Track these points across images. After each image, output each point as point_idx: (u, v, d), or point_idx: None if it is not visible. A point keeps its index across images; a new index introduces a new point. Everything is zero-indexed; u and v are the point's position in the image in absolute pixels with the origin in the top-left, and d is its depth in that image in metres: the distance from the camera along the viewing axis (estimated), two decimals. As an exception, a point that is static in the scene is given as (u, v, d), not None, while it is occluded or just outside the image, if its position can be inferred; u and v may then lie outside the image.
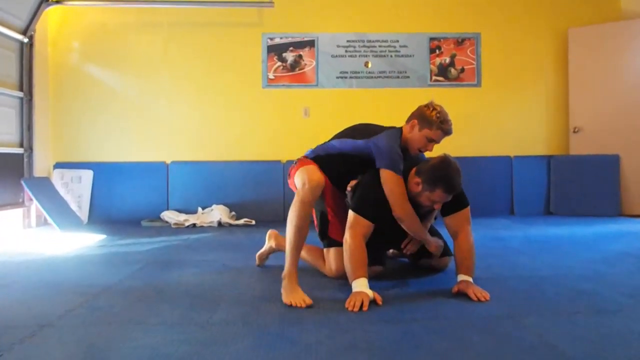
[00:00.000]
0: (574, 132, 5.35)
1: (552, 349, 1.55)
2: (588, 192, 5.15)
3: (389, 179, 2.23)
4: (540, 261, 2.92)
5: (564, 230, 4.13)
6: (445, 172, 2.15)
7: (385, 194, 2.23)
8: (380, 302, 2.02)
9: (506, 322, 1.81)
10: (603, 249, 3.29)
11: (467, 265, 2.20)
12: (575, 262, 2.84)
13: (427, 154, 2.50)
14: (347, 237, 2.19)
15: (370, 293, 2.02)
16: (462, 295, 2.10)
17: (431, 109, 2.34)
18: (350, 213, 2.25)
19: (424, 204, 2.24)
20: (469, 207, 2.31)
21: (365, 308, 1.94)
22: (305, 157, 2.50)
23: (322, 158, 2.43)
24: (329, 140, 2.53)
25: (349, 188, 2.39)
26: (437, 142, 2.37)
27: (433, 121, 2.30)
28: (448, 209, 2.28)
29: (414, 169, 2.27)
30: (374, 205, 2.23)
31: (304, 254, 2.43)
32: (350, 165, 2.41)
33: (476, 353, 1.52)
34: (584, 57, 5.29)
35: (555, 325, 1.75)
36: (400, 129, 2.42)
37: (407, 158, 2.34)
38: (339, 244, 2.44)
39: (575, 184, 5.20)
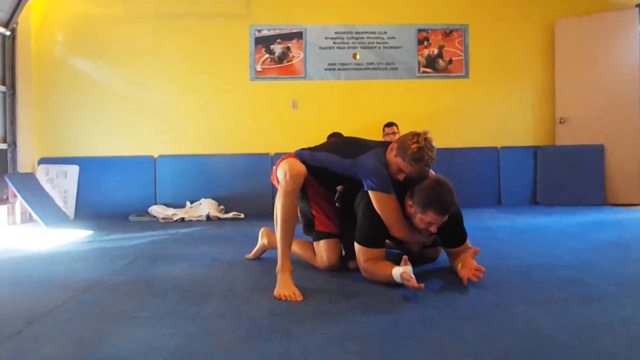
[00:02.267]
0: (560, 122, 5.41)
1: (540, 336, 1.57)
2: (574, 182, 5.22)
3: (379, 201, 2.19)
4: (527, 250, 2.95)
5: (550, 220, 4.18)
6: (436, 193, 2.09)
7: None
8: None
9: (495, 311, 1.83)
10: (589, 237, 3.33)
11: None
12: (561, 251, 2.88)
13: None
14: (365, 267, 2.22)
15: (403, 269, 2.03)
16: (452, 285, 2.12)
17: (415, 140, 2.13)
18: (358, 245, 2.26)
19: (420, 226, 2.19)
20: (467, 241, 2.36)
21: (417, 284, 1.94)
22: (291, 155, 2.47)
23: (307, 164, 2.36)
24: (318, 148, 2.49)
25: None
26: (408, 174, 2.18)
27: (407, 154, 2.12)
28: (448, 243, 2.36)
29: (409, 192, 2.21)
30: (375, 233, 2.25)
31: (294, 247, 2.42)
32: (333, 178, 2.42)
33: (466, 342, 1.54)
34: (570, 49, 5.33)
35: (543, 313, 1.78)
36: (387, 147, 2.29)
37: (406, 178, 2.22)
38: (327, 235, 2.46)
39: (561, 174, 5.27)
